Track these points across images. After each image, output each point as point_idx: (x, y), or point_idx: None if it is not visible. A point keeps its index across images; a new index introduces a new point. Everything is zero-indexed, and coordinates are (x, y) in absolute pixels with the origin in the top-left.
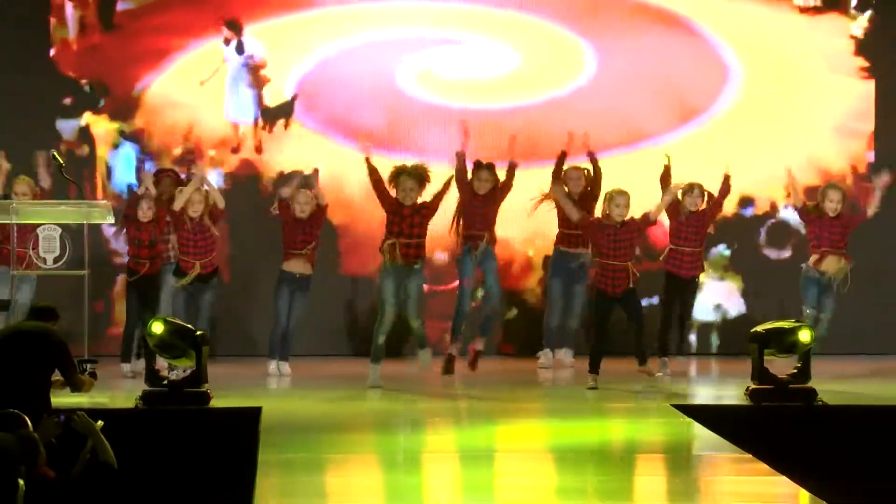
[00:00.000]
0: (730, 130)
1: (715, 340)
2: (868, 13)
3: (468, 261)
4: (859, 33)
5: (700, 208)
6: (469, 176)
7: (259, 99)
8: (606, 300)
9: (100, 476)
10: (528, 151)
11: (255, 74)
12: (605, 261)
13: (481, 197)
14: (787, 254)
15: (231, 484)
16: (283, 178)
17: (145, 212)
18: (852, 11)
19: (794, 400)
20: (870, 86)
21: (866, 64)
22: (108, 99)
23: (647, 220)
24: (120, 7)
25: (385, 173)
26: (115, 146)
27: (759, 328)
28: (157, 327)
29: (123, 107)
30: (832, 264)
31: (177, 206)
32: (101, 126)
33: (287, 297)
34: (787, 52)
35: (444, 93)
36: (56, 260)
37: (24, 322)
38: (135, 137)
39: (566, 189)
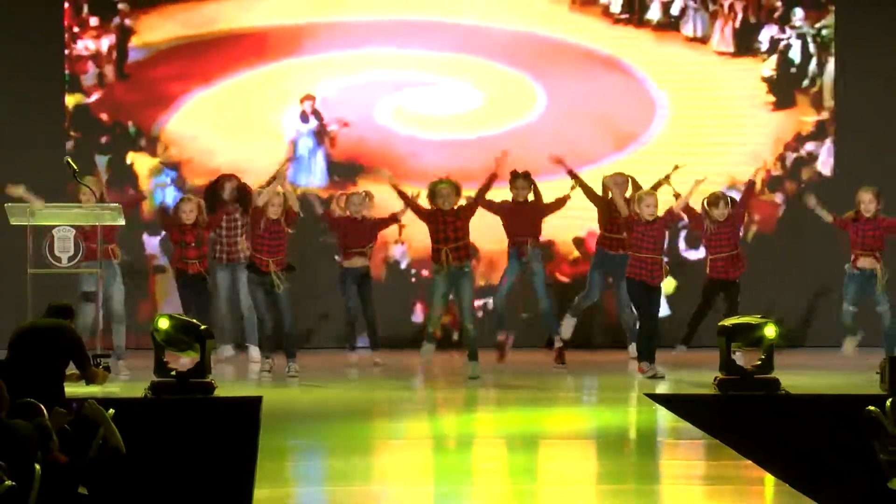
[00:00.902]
0: (657, 155)
1: None
2: (774, 57)
3: (514, 263)
4: (767, 74)
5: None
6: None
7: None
8: (645, 289)
9: (110, 460)
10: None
11: (323, 137)
12: (638, 254)
13: (522, 204)
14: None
15: (234, 467)
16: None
17: (188, 214)
18: (762, 55)
19: (758, 389)
20: (775, 116)
21: (773, 99)
22: (142, 137)
23: (672, 216)
24: (132, 57)
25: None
26: (156, 175)
27: (726, 322)
28: (164, 323)
29: (151, 143)
30: (868, 263)
31: (260, 202)
32: (143, 162)
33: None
34: (706, 89)
35: (420, 126)
36: (70, 259)
37: (41, 318)
38: (172, 168)
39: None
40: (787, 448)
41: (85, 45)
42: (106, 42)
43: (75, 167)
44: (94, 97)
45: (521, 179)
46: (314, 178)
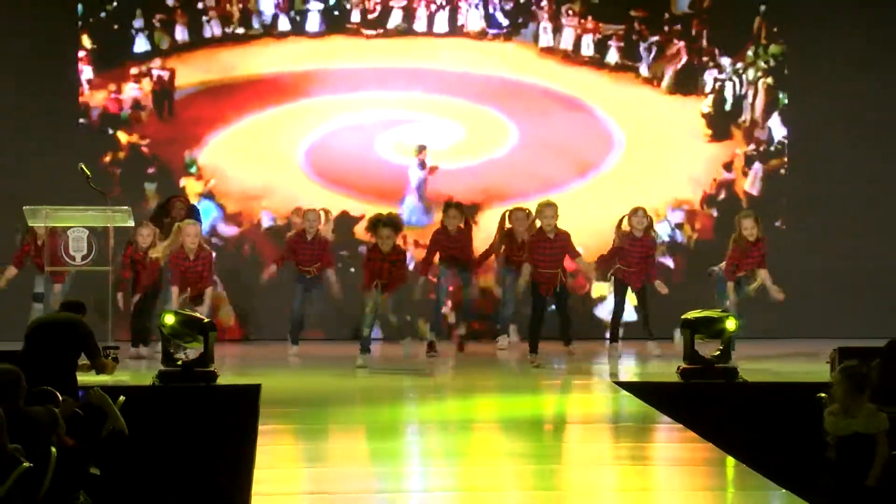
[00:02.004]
0: (614, 181)
1: None
2: (711, 97)
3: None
4: (706, 110)
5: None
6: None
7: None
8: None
9: (115, 442)
10: (471, 199)
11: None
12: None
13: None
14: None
15: (235, 449)
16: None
17: (144, 238)
18: (702, 94)
19: (718, 378)
20: (712, 146)
21: (710, 132)
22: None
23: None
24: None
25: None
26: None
27: (690, 316)
28: (169, 319)
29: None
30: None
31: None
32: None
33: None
34: (656, 123)
35: (410, 158)
36: (84, 258)
37: (56, 313)
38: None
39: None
40: (745, 431)
41: (128, 90)
42: (135, 87)
43: (88, 173)
44: (137, 134)
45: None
46: (424, 216)
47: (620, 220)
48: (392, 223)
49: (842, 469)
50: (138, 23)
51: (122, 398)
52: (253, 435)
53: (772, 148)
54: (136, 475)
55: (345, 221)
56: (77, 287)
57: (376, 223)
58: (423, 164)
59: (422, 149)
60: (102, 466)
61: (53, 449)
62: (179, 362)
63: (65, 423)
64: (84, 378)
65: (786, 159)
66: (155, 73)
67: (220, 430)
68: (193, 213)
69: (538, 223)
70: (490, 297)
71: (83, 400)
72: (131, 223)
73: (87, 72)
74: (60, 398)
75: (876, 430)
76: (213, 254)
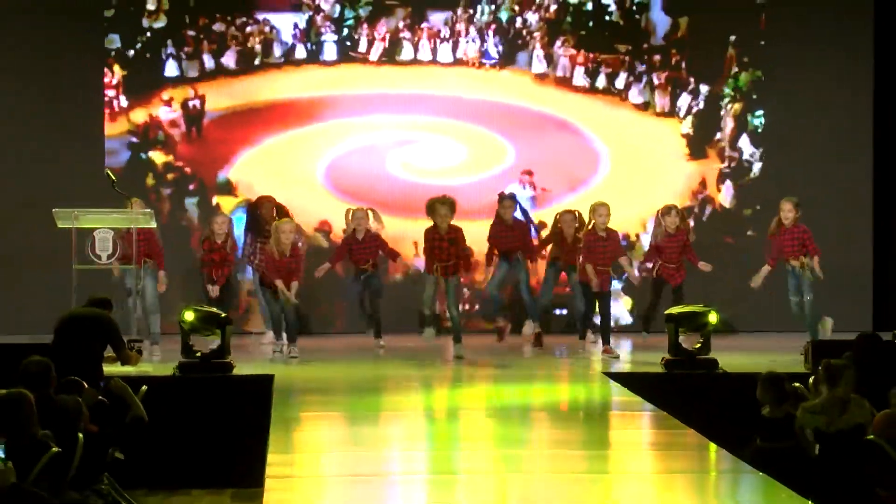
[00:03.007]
0: (603, 194)
1: None
2: (689, 118)
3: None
4: (685, 131)
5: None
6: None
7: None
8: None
9: (135, 427)
10: (474, 211)
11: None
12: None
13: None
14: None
15: (250, 435)
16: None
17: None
18: (681, 116)
19: (700, 368)
20: (691, 164)
21: (688, 151)
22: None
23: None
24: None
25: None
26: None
27: (674, 311)
28: (189, 315)
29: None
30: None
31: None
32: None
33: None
34: (639, 142)
35: (418, 174)
36: (109, 257)
37: (83, 308)
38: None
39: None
40: (724, 418)
41: (158, 114)
42: (167, 112)
43: (114, 178)
44: (171, 155)
45: (507, 199)
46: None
47: (657, 220)
48: (448, 202)
49: (828, 466)
50: (168, 52)
51: (144, 387)
52: (266, 422)
53: (744, 164)
54: (157, 459)
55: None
56: (103, 284)
57: (433, 203)
58: (524, 185)
59: (527, 172)
60: (125, 451)
61: (81, 435)
62: (198, 354)
63: (88, 411)
64: (109, 369)
65: (757, 173)
66: (185, 99)
67: (236, 418)
68: (282, 211)
69: (591, 221)
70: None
71: (104, 389)
72: (153, 224)
73: (118, 97)
74: (87, 386)
75: (864, 419)
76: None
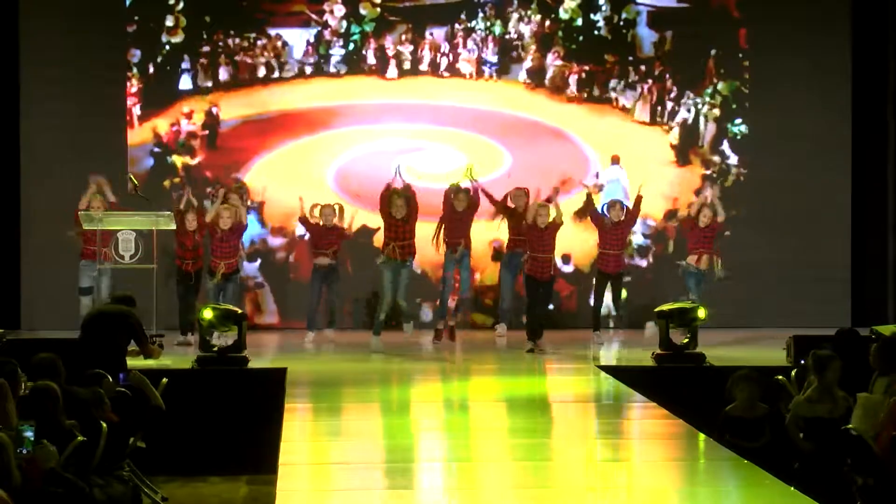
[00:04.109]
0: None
1: None
2: (676, 130)
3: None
4: (673, 140)
5: (620, 220)
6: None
7: None
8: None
9: (154, 417)
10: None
11: None
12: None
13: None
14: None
15: (264, 425)
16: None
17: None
18: (668, 125)
19: (688, 362)
20: (677, 170)
21: (675, 158)
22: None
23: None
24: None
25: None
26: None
27: (664, 308)
28: (207, 314)
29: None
30: (705, 261)
31: (208, 218)
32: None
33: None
34: (628, 149)
35: (421, 178)
36: (132, 257)
37: (109, 305)
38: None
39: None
40: (711, 409)
41: (177, 123)
42: (186, 121)
43: (135, 182)
44: (189, 161)
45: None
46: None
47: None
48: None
49: (818, 456)
50: (186, 65)
51: (164, 380)
52: (280, 412)
53: (725, 168)
54: (176, 447)
55: (366, 233)
56: (125, 281)
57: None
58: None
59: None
60: (146, 440)
61: (104, 424)
62: (215, 349)
63: (109, 402)
64: (133, 362)
65: (741, 177)
66: (201, 109)
67: (251, 409)
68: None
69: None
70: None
71: (124, 381)
72: (173, 226)
73: (140, 107)
74: (110, 379)
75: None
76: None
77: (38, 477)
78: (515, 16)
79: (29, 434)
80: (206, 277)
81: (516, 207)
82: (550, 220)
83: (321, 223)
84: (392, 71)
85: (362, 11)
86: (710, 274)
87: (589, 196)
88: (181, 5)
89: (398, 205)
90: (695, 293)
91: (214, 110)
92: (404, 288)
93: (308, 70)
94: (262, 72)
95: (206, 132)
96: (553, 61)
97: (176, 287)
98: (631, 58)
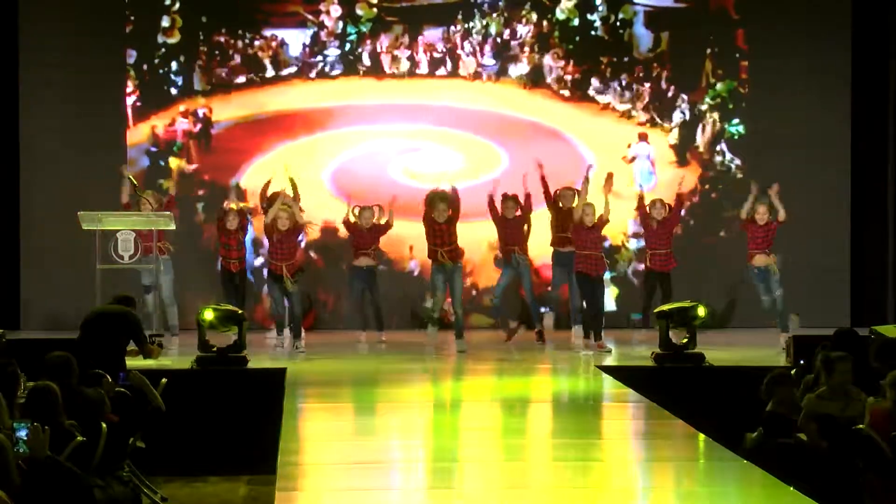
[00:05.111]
0: (591, 197)
1: None
2: (675, 131)
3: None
4: (672, 141)
5: (664, 217)
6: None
7: None
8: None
9: (153, 417)
10: (475, 211)
11: None
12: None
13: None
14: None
15: (263, 425)
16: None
17: (231, 221)
18: (667, 127)
19: (687, 362)
20: (677, 171)
21: (675, 158)
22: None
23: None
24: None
25: None
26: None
27: (665, 308)
28: (208, 314)
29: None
30: (761, 260)
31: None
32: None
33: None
34: (623, 149)
35: (416, 178)
36: (131, 257)
37: (108, 305)
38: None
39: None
40: (710, 409)
41: (173, 124)
42: (182, 121)
43: (136, 182)
44: (185, 162)
45: (510, 201)
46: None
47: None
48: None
49: (835, 457)
50: (182, 66)
51: (164, 380)
52: (279, 412)
53: (722, 169)
54: (176, 448)
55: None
56: (126, 281)
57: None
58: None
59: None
60: (146, 440)
61: (104, 424)
62: (214, 349)
63: (109, 402)
64: (132, 362)
65: (736, 177)
66: (198, 110)
67: (250, 408)
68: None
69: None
70: None
71: (123, 381)
72: (172, 227)
73: (137, 108)
74: (109, 379)
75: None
76: None
77: (35, 467)
78: (512, 16)
79: (22, 434)
80: (268, 280)
81: (562, 206)
82: (597, 218)
83: (359, 223)
84: (388, 71)
85: (359, 12)
86: (773, 273)
87: (640, 197)
88: (177, 6)
89: (440, 209)
90: (767, 294)
91: (211, 111)
92: (459, 295)
93: (305, 71)
94: (258, 73)
95: (203, 133)
96: (550, 62)
97: (223, 287)
98: (627, 58)
